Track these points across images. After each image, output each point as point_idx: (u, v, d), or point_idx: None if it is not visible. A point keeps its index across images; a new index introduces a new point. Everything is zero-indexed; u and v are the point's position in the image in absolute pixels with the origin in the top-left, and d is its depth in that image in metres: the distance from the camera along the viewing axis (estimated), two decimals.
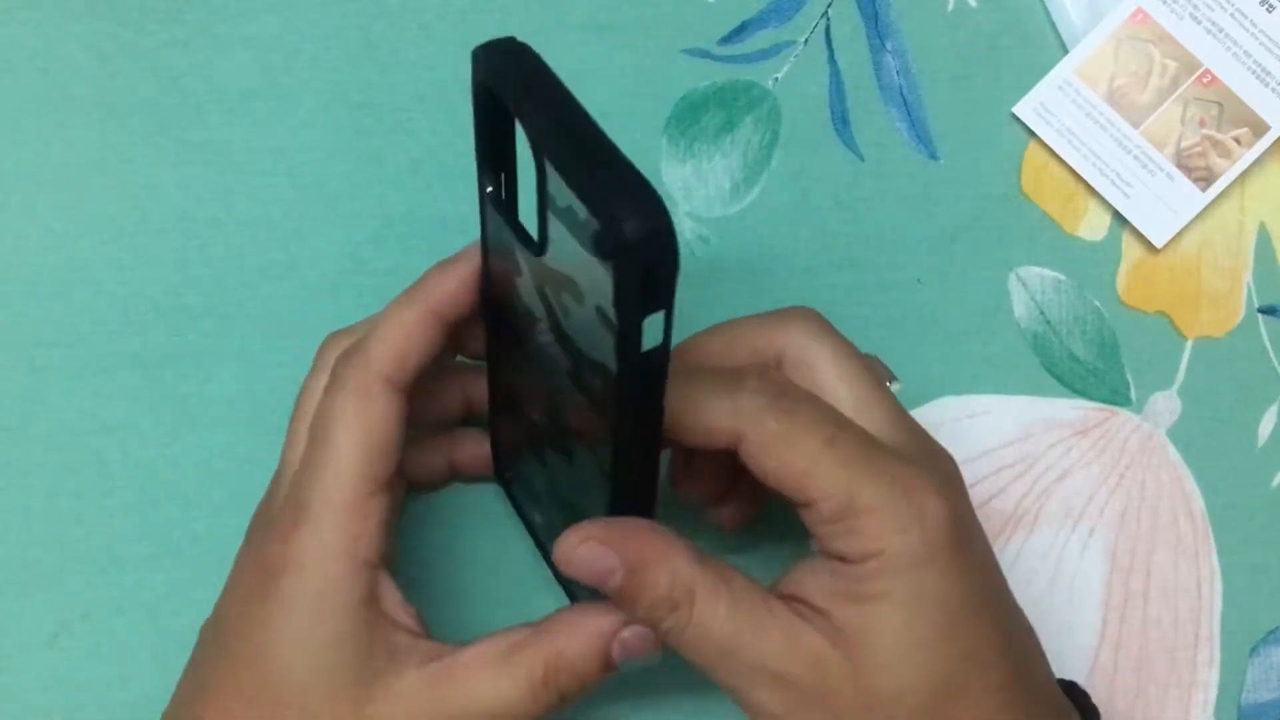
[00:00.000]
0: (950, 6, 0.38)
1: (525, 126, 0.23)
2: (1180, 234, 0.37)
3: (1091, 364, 0.37)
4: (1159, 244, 0.37)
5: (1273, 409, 0.37)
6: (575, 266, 0.22)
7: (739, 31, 0.37)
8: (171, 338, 0.36)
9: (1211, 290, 0.37)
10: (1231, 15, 0.37)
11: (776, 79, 0.37)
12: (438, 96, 0.37)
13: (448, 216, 0.37)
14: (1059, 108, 0.37)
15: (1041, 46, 0.38)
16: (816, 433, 0.25)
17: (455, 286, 0.28)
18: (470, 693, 0.27)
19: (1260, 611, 0.37)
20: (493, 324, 0.30)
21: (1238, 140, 0.37)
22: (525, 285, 0.26)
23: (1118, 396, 0.37)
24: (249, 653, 0.27)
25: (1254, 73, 0.37)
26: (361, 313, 0.36)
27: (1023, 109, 0.37)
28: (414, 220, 0.37)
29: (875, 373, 0.28)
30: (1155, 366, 0.37)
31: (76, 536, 0.36)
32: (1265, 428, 0.37)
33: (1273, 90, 0.36)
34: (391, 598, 0.28)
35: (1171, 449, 0.37)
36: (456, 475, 0.35)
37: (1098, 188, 0.37)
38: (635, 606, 0.26)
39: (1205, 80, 0.37)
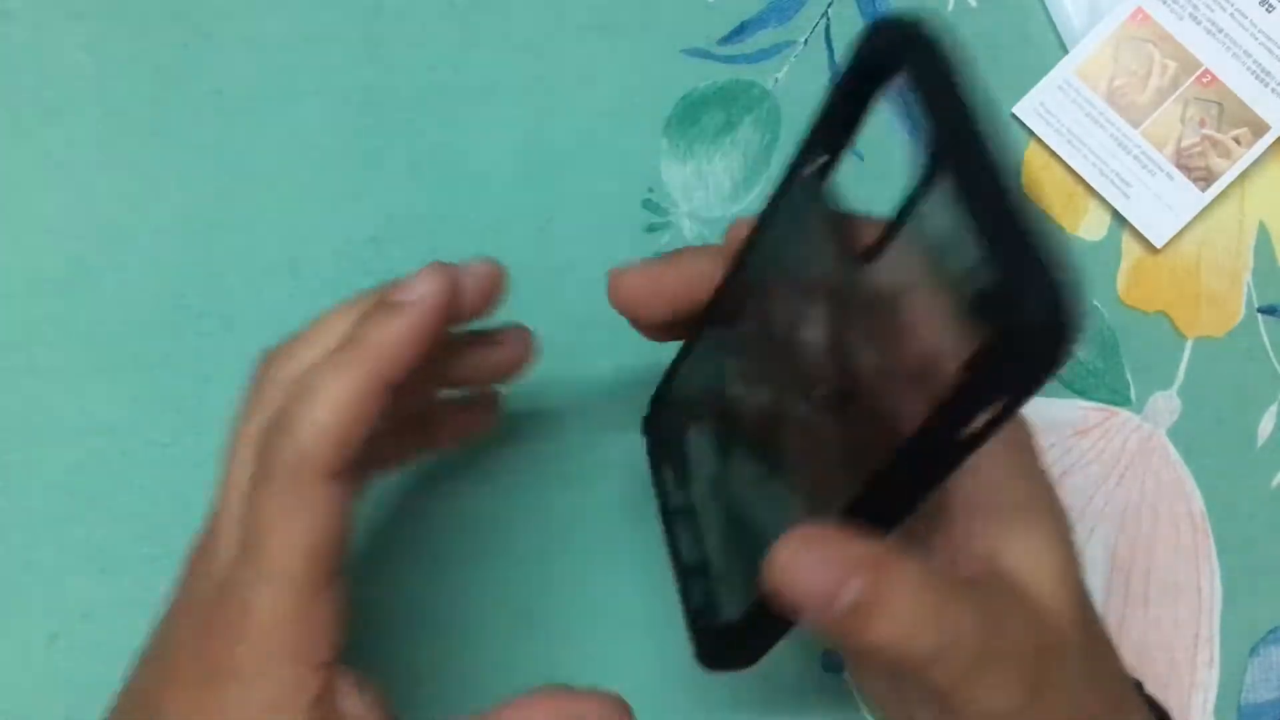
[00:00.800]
0: (950, 6, 0.38)
1: (936, 127, 0.19)
2: (1180, 234, 0.37)
3: (1091, 364, 0.37)
4: (1159, 244, 0.37)
5: (1272, 409, 0.37)
6: (914, 294, 0.19)
7: (739, 31, 0.37)
8: (172, 339, 0.36)
9: (1211, 290, 0.37)
10: (1231, 15, 0.37)
11: (777, 79, 0.37)
12: (438, 96, 0.37)
13: (448, 216, 0.37)
14: (1059, 108, 0.37)
15: (1041, 47, 0.38)
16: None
17: (402, 345, 0.25)
18: None
19: (1260, 611, 0.37)
20: (732, 293, 0.27)
21: (1237, 140, 0.37)
22: (809, 281, 0.23)
23: (1117, 396, 0.37)
24: None
25: (1254, 73, 0.37)
26: None
27: (1022, 109, 0.37)
28: (414, 220, 0.37)
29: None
30: (1155, 366, 0.37)
31: (76, 536, 0.36)
32: (1265, 428, 0.37)
33: (1272, 90, 0.36)
34: (346, 692, 0.26)
35: (1171, 449, 0.37)
36: (433, 441, 0.32)
37: (1097, 188, 0.37)
38: (864, 634, 0.22)
39: (1205, 80, 0.37)
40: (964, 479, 0.21)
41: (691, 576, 0.29)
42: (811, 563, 0.21)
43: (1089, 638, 0.25)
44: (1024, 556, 0.24)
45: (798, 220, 0.24)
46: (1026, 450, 0.25)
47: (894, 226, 0.21)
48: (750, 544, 0.26)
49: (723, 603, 0.28)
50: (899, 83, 0.20)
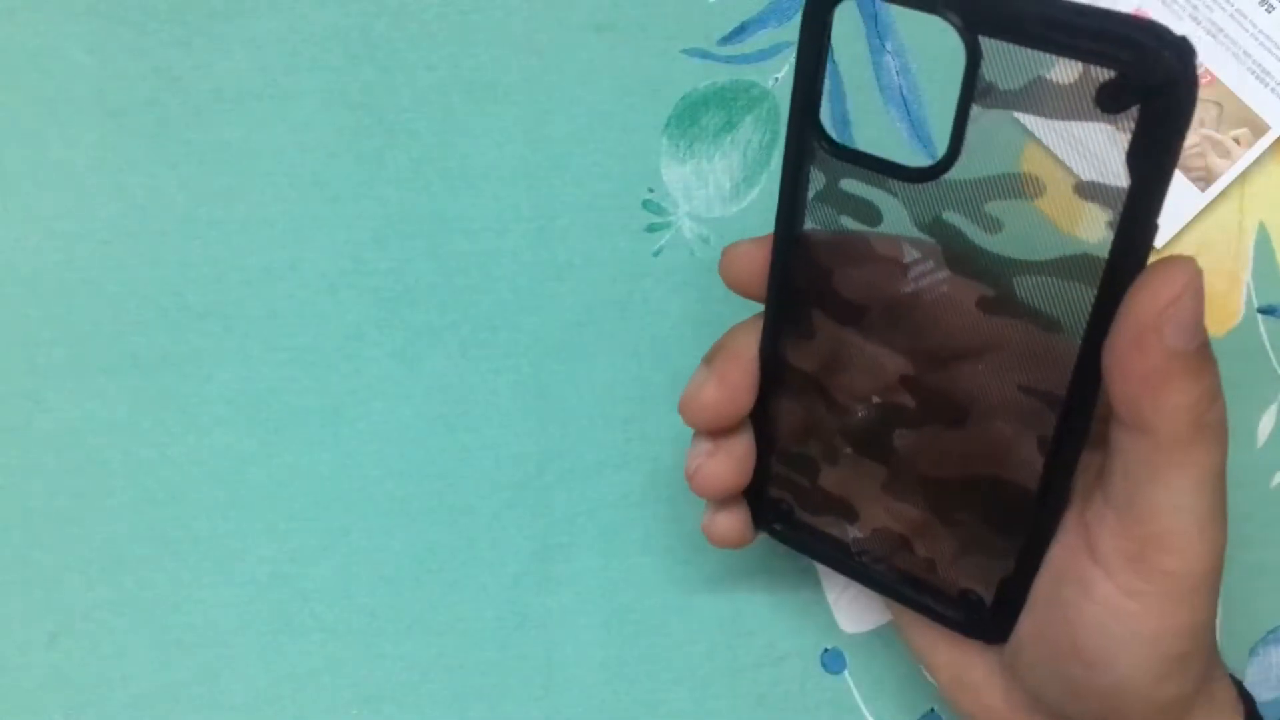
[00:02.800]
0: None
1: (953, 9, 0.21)
2: (1179, 234, 0.37)
3: None
4: (1158, 244, 0.37)
5: (1272, 409, 0.37)
6: (1024, 157, 0.21)
7: (739, 31, 0.37)
8: (172, 338, 0.36)
9: (1211, 290, 0.37)
10: (1231, 15, 0.37)
11: (777, 79, 0.37)
12: (438, 96, 0.37)
13: (448, 216, 0.37)
14: None
15: None
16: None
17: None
18: None
19: (1260, 611, 0.37)
20: (789, 326, 0.27)
21: (1237, 140, 0.37)
22: (889, 233, 0.24)
23: None
24: None
25: (1253, 73, 0.37)
26: (361, 312, 0.36)
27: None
28: (414, 220, 0.37)
29: None
30: None
31: (76, 536, 0.36)
32: (1265, 428, 0.37)
33: (1272, 90, 0.36)
34: None
35: None
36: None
37: None
38: (1201, 378, 0.23)
39: (1205, 80, 0.37)
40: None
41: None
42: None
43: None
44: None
45: (834, 194, 0.25)
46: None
47: (960, 123, 0.22)
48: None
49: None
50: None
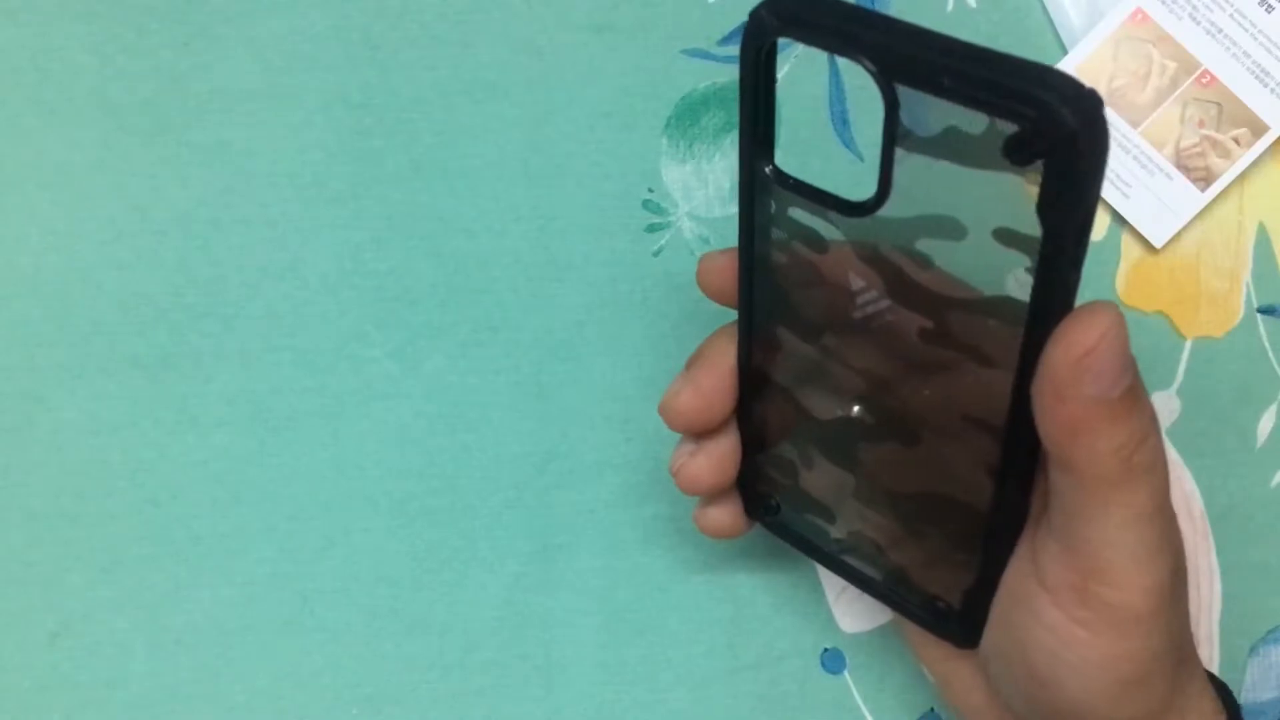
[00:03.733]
0: (950, 7, 0.38)
1: (868, 58, 0.21)
2: (1179, 234, 0.37)
3: None
4: (1158, 244, 0.37)
5: (1272, 409, 0.37)
6: (944, 200, 0.21)
7: (738, 32, 0.37)
8: (172, 338, 0.36)
9: (1210, 290, 0.37)
10: (1231, 16, 0.37)
11: (776, 79, 0.37)
12: (438, 96, 0.37)
13: (448, 216, 0.37)
14: None
15: (1040, 47, 0.38)
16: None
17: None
18: None
19: (1260, 611, 0.37)
20: (759, 338, 0.28)
21: (1237, 141, 0.37)
22: (835, 261, 0.25)
23: None
24: None
25: (1253, 73, 0.37)
26: (361, 312, 0.36)
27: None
28: (414, 220, 0.37)
29: None
30: (1154, 366, 0.37)
31: (76, 536, 0.36)
32: (1264, 427, 0.37)
33: (1272, 91, 0.36)
34: None
35: (1171, 449, 0.37)
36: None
37: None
38: (1127, 421, 0.23)
39: (1204, 81, 0.37)
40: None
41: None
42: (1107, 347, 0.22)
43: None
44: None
45: (784, 220, 0.25)
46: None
47: (887, 162, 0.22)
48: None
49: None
50: (799, 39, 0.22)
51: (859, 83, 0.38)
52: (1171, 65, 0.37)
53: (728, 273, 0.28)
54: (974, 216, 0.22)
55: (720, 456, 0.30)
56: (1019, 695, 0.27)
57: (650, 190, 0.37)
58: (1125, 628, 0.25)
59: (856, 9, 0.21)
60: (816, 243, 0.25)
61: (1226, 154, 0.37)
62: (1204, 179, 0.37)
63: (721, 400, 0.29)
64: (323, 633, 0.36)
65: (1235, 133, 0.37)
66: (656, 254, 0.37)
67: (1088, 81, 0.19)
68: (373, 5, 0.37)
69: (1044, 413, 0.23)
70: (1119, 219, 0.37)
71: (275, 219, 0.37)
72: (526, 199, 0.37)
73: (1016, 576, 0.26)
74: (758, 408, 0.30)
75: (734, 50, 0.37)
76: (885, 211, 0.23)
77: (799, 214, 0.25)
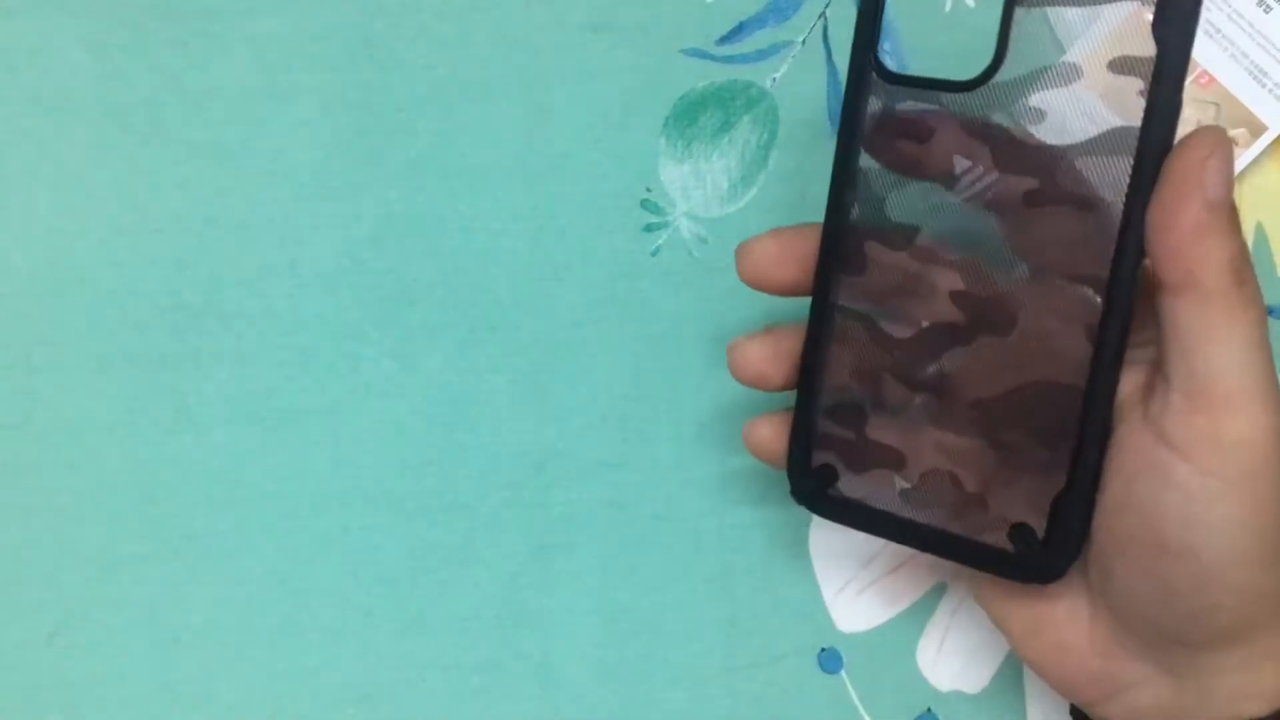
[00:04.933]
0: (948, 7, 0.38)
1: None
2: None
3: None
4: None
5: None
6: (1065, 47, 0.26)
7: (737, 31, 0.37)
8: (170, 337, 0.36)
9: None
10: (1228, 16, 0.37)
11: (775, 79, 0.37)
12: (436, 96, 0.37)
13: (447, 216, 0.37)
14: None
15: (1039, 47, 0.38)
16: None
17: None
18: None
19: None
20: (845, 261, 0.29)
21: (1235, 141, 0.37)
22: (940, 145, 0.27)
23: None
24: None
25: (1251, 74, 0.37)
26: (359, 311, 0.36)
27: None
28: (414, 220, 0.37)
29: None
30: None
31: (76, 536, 0.36)
32: None
33: (1269, 91, 0.36)
34: None
35: None
36: None
37: None
38: (1237, 233, 0.25)
39: (1202, 81, 0.37)
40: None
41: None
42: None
43: None
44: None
45: (889, 112, 0.28)
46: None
47: (1005, 28, 0.26)
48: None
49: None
50: None
51: None
52: None
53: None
54: (1090, 54, 0.25)
55: (784, 343, 0.30)
56: (1147, 584, 0.26)
57: (648, 190, 0.37)
58: (1260, 474, 0.25)
59: None
60: (922, 131, 0.27)
61: None
62: None
63: (803, 258, 0.29)
64: (320, 632, 0.36)
65: (1233, 133, 0.37)
66: (654, 254, 0.37)
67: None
68: (371, 5, 0.37)
69: (1166, 221, 0.25)
70: None
71: (273, 218, 0.37)
72: (524, 198, 0.37)
73: (1133, 456, 0.26)
74: (829, 353, 0.30)
75: (733, 50, 0.38)
76: (999, 77, 0.26)
77: (906, 106, 0.28)
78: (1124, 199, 0.25)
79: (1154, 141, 0.25)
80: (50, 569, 0.36)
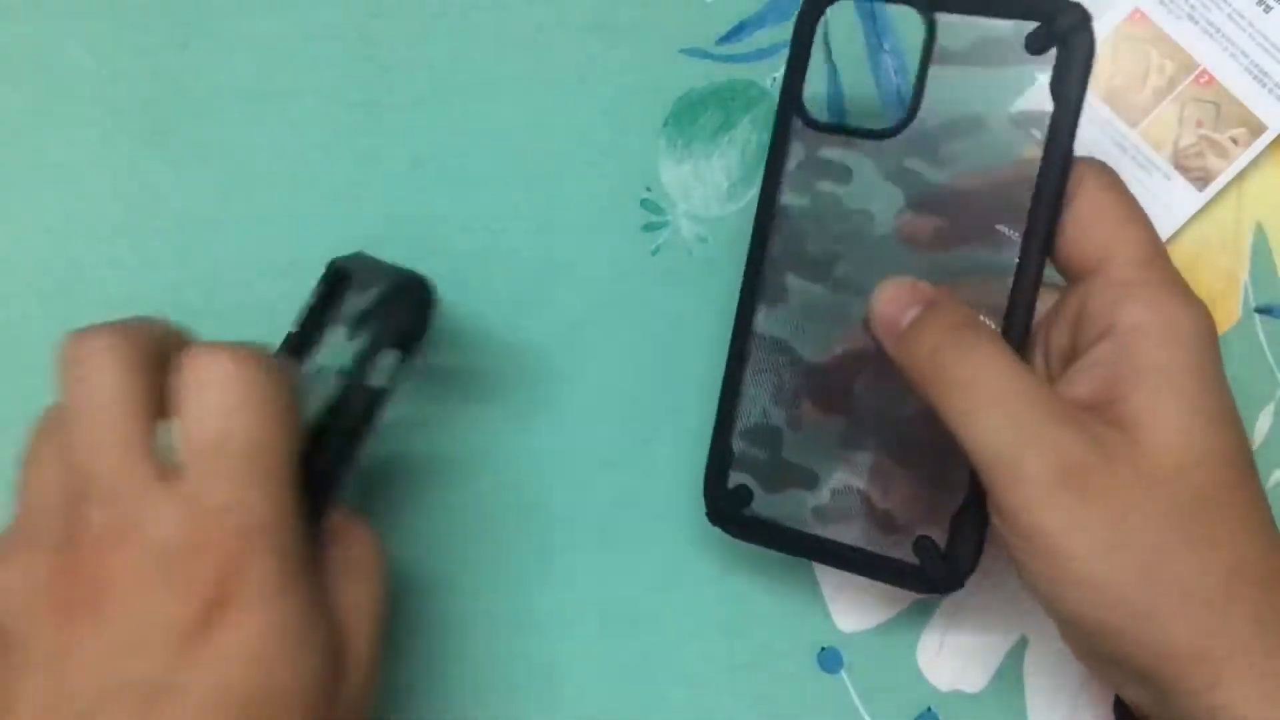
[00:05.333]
0: None
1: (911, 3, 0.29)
2: (1177, 234, 0.37)
3: None
4: None
5: (1269, 408, 0.37)
6: (972, 102, 0.29)
7: (737, 31, 0.37)
8: None
9: (1208, 290, 0.37)
10: (1229, 16, 0.37)
11: (774, 78, 0.37)
12: (437, 96, 0.37)
13: (447, 216, 0.37)
14: None
15: None
16: (1133, 206, 0.29)
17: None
18: None
19: None
20: (765, 293, 0.32)
21: (1235, 141, 0.37)
22: (859, 187, 0.30)
23: None
24: None
25: (1251, 73, 0.37)
26: None
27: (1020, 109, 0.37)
28: (414, 220, 0.37)
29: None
30: None
31: None
32: (1262, 427, 0.37)
33: (1270, 91, 0.36)
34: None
35: None
36: None
37: None
38: (919, 346, 0.28)
39: (1202, 80, 0.37)
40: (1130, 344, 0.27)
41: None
42: (892, 294, 0.29)
43: (1207, 492, 0.26)
44: (1145, 406, 0.26)
45: (813, 160, 0.31)
46: (1195, 347, 0.27)
47: (920, 85, 0.30)
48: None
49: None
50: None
51: (857, 83, 0.38)
52: (1169, 65, 0.37)
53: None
54: (994, 108, 0.29)
55: None
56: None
57: (648, 189, 0.37)
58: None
59: None
60: (843, 174, 0.30)
61: (1224, 154, 0.37)
62: (1202, 179, 0.37)
63: None
64: None
65: (1233, 133, 0.37)
66: (654, 253, 0.37)
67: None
68: (371, 4, 0.37)
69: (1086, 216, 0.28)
70: None
71: (273, 217, 0.37)
72: (524, 198, 0.37)
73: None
74: (747, 376, 0.32)
75: (733, 49, 0.38)
76: (913, 127, 0.30)
77: (828, 152, 0.31)
78: (1021, 237, 0.28)
79: (1050, 184, 0.28)
80: None
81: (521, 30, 0.37)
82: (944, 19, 0.29)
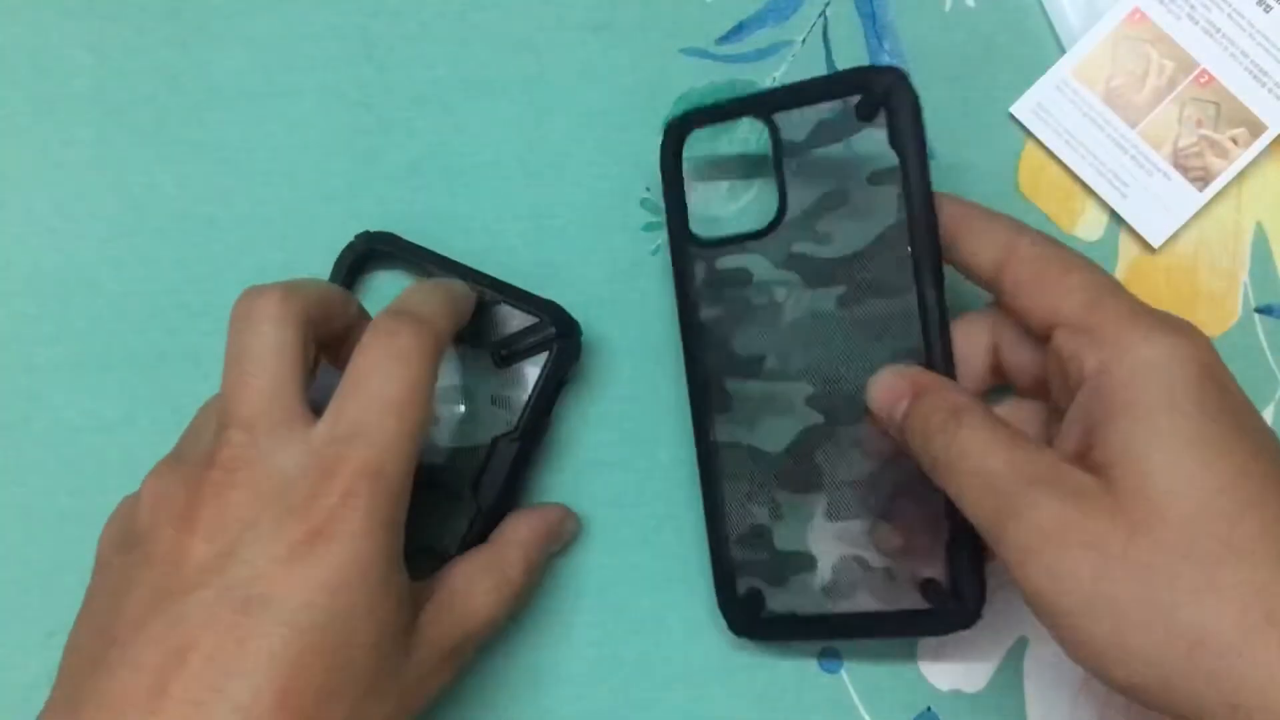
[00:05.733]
0: (948, 6, 0.38)
1: (753, 115, 0.32)
2: (1177, 234, 0.37)
3: None
4: (1156, 244, 0.37)
5: (1269, 408, 0.37)
6: (830, 178, 0.31)
7: (737, 31, 0.37)
8: (170, 337, 0.36)
9: (1208, 290, 0.37)
10: (1228, 15, 0.37)
11: (774, 79, 0.37)
12: (437, 96, 0.37)
13: (447, 216, 0.37)
14: (1056, 108, 0.37)
15: (1039, 47, 0.38)
16: (1069, 255, 0.29)
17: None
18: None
19: None
20: (711, 403, 0.33)
21: (1235, 140, 0.37)
22: (759, 283, 0.32)
23: None
24: None
25: (1251, 73, 0.37)
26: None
27: (1020, 109, 0.37)
28: (412, 219, 0.37)
29: None
30: None
31: (74, 535, 0.35)
32: None
33: (1269, 90, 0.36)
34: None
35: None
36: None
37: (1095, 188, 0.37)
38: (913, 434, 0.29)
39: (1202, 80, 0.37)
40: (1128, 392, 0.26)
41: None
42: (883, 386, 0.30)
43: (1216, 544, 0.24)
44: (1117, 447, 0.26)
45: (712, 274, 0.33)
46: (1162, 377, 0.26)
47: (781, 186, 0.32)
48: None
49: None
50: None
51: None
52: (1169, 65, 0.37)
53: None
54: (850, 177, 0.31)
55: None
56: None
57: (648, 189, 0.37)
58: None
59: (736, 100, 0.33)
60: (744, 276, 0.32)
61: (1224, 154, 0.37)
62: (1202, 179, 0.37)
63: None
64: None
65: (1233, 132, 0.37)
66: (654, 253, 0.37)
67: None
68: (370, 3, 0.37)
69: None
70: (1116, 218, 0.37)
71: (272, 217, 0.37)
72: (524, 197, 0.37)
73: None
74: (723, 488, 0.33)
75: (733, 49, 0.38)
76: (789, 216, 0.32)
77: (725, 260, 0.33)
78: (913, 277, 0.30)
79: (920, 225, 0.30)
80: (49, 568, 0.36)
81: (521, 30, 0.37)
82: (781, 117, 0.32)
